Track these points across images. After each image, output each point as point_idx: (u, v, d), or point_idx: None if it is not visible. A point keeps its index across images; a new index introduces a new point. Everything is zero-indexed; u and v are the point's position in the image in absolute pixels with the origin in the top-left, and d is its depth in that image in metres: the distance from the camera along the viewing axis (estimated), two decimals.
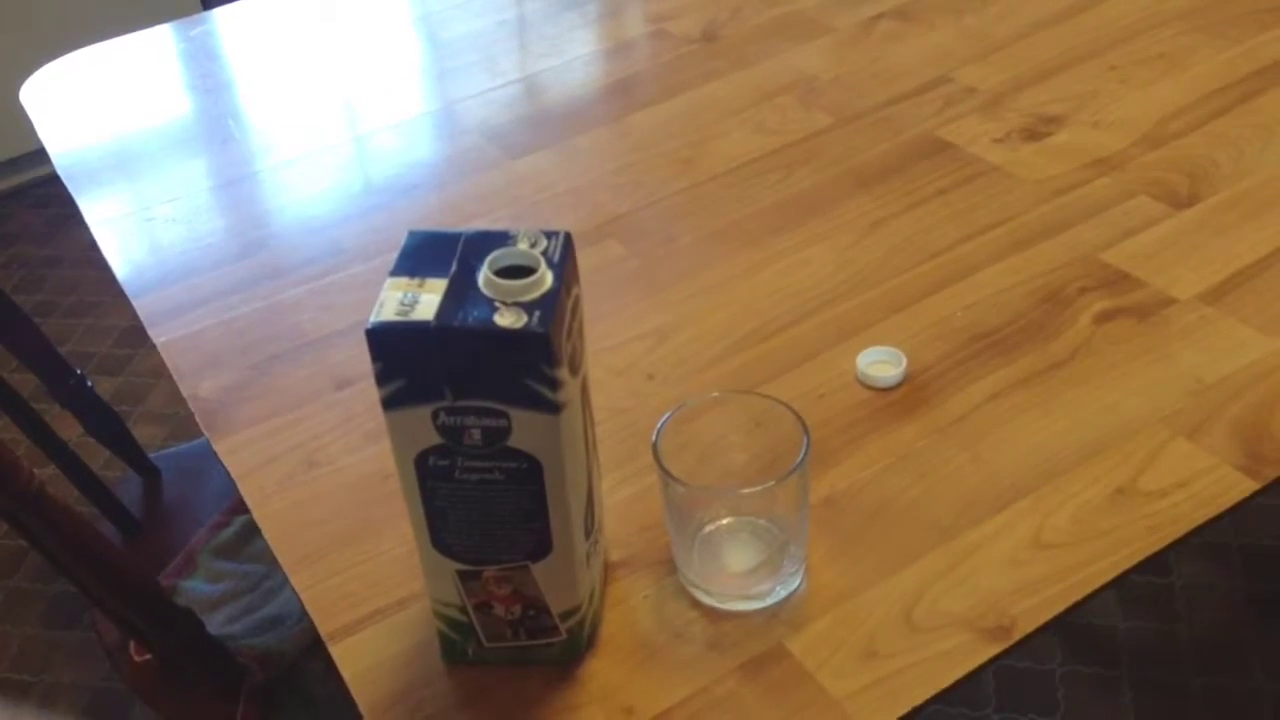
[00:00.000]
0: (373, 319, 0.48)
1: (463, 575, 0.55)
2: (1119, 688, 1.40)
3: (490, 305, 0.48)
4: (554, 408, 0.49)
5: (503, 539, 0.54)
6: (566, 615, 0.57)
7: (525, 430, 0.50)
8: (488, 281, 0.50)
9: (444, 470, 0.51)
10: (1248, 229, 0.81)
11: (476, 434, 0.50)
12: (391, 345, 0.48)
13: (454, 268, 0.51)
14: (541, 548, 0.54)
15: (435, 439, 0.50)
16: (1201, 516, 0.62)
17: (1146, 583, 1.52)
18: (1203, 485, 0.64)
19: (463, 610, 0.57)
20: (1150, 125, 0.94)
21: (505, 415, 0.49)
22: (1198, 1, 1.08)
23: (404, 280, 0.50)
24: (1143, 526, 0.62)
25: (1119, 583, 0.61)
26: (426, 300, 0.49)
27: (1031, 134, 0.95)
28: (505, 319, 0.48)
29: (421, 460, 0.51)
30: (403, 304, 0.49)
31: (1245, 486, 0.63)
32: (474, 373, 0.48)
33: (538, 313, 0.48)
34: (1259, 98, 0.95)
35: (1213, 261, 0.79)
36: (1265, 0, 1.07)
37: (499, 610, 0.57)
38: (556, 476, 0.52)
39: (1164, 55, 1.02)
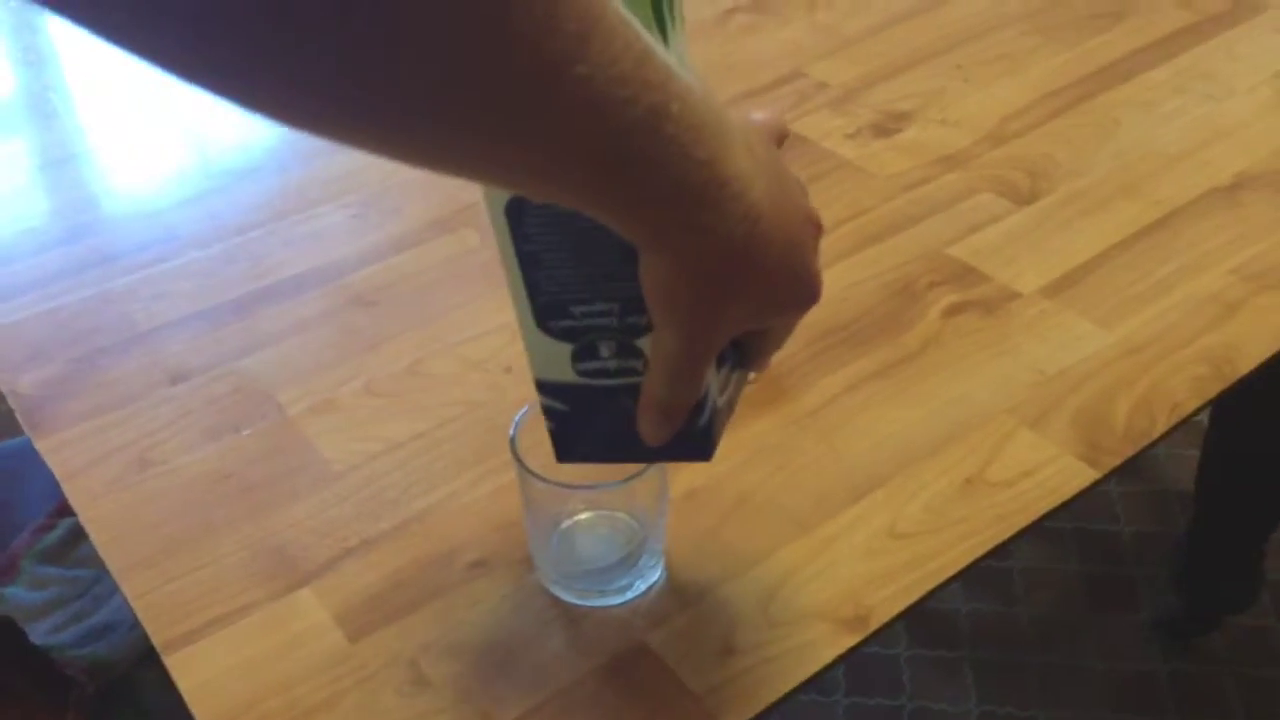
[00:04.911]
0: None
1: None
2: (961, 669, 1.45)
3: None
4: None
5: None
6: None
7: None
8: None
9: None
10: (1084, 225, 0.84)
11: None
12: None
13: None
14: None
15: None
16: (1046, 505, 0.64)
17: (987, 567, 1.57)
18: (1047, 475, 0.66)
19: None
20: (993, 123, 0.96)
21: None
22: (1037, 4, 1.12)
23: None
24: (992, 515, 0.64)
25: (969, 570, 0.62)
26: None
27: (881, 130, 0.96)
28: None
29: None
30: None
31: (1086, 476, 0.65)
32: None
33: None
34: (1094, 98, 0.98)
35: (1053, 257, 0.82)
36: (1100, 5, 1.11)
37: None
38: None
39: (1006, 55, 1.05)
